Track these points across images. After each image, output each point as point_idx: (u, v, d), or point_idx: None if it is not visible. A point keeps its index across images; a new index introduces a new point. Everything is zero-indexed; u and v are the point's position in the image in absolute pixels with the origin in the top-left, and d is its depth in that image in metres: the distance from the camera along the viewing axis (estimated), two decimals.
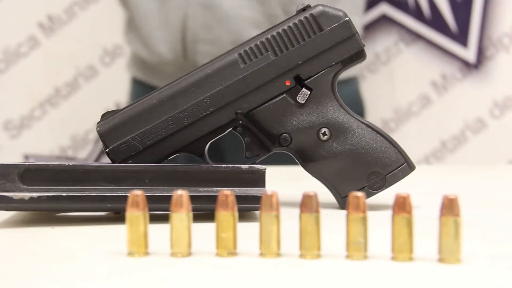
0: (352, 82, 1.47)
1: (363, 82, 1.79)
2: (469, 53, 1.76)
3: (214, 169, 0.69)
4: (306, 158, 0.74)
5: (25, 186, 0.66)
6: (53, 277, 0.49)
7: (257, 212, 0.72)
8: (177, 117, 0.72)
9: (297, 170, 0.81)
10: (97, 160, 1.76)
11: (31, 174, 0.66)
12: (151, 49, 1.37)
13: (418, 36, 1.76)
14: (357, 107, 1.48)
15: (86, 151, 1.80)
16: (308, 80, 0.73)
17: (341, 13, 0.73)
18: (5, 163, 0.66)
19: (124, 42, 1.50)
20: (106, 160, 0.75)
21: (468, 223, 0.56)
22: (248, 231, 0.58)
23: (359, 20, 1.46)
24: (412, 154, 0.77)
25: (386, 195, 0.71)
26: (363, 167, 0.73)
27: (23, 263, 0.53)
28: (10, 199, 0.65)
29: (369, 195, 0.73)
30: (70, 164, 0.67)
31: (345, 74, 1.35)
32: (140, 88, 1.46)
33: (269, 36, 0.73)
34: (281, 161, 0.97)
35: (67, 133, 1.81)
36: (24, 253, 0.56)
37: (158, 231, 0.58)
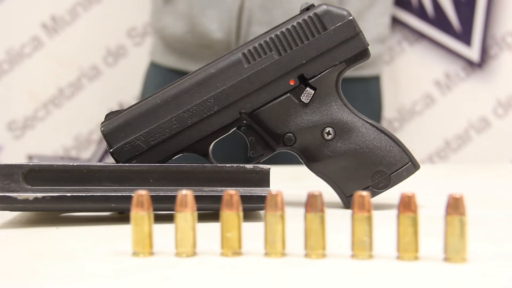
0: (374, 81, 1.43)
1: None
2: (473, 52, 1.76)
3: (218, 169, 0.68)
4: (311, 158, 0.74)
5: (29, 187, 0.66)
6: (58, 277, 0.49)
7: (262, 212, 0.72)
8: (181, 117, 0.72)
9: (302, 170, 0.81)
10: (100, 160, 1.77)
11: (36, 174, 0.66)
12: (197, 28, 1.31)
13: (421, 35, 1.76)
14: (375, 105, 1.46)
15: (90, 152, 1.81)
16: (312, 80, 0.73)
17: (345, 12, 0.73)
18: (9, 163, 0.66)
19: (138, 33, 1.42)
20: (110, 160, 0.75)
21: (473, 222, 0.56)
22: (253, 230, 0.58)
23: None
24: (416, 154, 0.77)
25: (391, 195, 0.71)
26: (367, 166, 0.73)
27: (28, 263, 0.53)
28: (14, 199, 0.65)
29: (373, 194, 0.73)
30: (75, 164, 0.67)
31: (368, 72, 1.34)
32: (163, 73, 1.41)
33: (273, 36, 0.73)
34: (286, 160, 0.97)
35: (71, 134, 1.81)
36: (28, 253, 0.56)
37: (163, 231, 0.58)
